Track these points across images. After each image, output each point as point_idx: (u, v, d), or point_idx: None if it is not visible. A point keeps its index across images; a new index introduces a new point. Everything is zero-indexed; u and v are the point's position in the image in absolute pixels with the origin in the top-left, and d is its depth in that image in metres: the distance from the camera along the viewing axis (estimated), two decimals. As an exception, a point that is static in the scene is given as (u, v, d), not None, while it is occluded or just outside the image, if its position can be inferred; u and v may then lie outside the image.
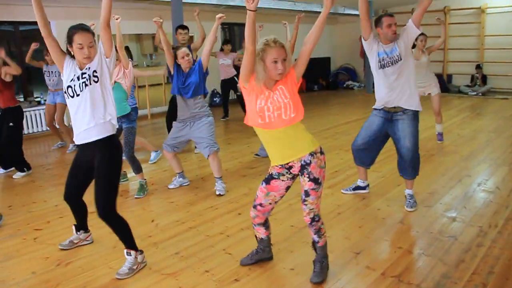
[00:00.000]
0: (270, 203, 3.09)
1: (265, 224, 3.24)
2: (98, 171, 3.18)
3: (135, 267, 3.30)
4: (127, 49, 11.74)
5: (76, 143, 3.26)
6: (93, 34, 3.15)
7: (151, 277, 3.24)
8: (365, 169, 4.79)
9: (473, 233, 3.78)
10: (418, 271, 3.20)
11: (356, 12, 14.03)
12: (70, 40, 3.08)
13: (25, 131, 8.75)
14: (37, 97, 9.24)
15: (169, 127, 6.14)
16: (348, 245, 3.63)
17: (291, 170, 2.95)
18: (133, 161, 5.06)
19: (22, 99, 9.13)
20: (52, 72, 7.25)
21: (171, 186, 5.28)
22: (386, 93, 4.13)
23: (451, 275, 3.11)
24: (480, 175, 5.38)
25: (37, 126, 8.84)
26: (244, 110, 9.40)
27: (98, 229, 3.80)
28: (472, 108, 10.62)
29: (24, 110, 8.65)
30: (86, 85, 3.07)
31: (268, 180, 3.02)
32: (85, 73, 3.08)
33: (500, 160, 5.98)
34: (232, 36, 13.16)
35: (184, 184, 5.33)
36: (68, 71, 3.13)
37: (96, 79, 3.09)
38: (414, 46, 6.78)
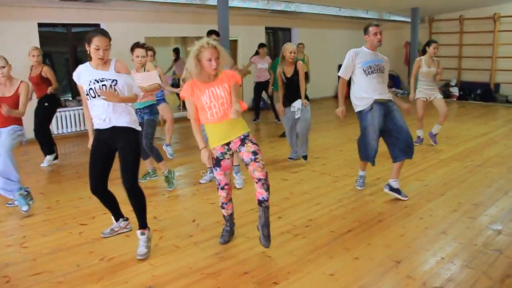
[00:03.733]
0: (231, 180, 3.73)
1: (231, 199, 3.82)
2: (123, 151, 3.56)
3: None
4: (176, 50, 12.26)
5: (101, 127, 3.59)
6: (109, 39, 3.48)
7: (191, 276, 3.29)
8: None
9: (519, 247, 3.66)
10: (461, 284, 3.11)
11: (401, 18, 13.90)
12: (89, 42, 3.41)
13: (73, 129, 9.07)
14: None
15: None
16: (389, 253, 3.58)
17: (229, 146, 3.51)
18: (151, 150, 5.32)
19: (70, 98, 9.45)
20: None
21: (202, 181, 5.56)
22: (373, 93, 4.65)
23: (496, 290, 3.03)
24: (529, 187, 5.19)
25: (85, 124, 9.09)
26: (275, 113, 9.44)
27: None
28: (520, 119, 10.28)
29: (72, 108, 9.02)
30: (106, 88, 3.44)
31: (218, 163, 3.56)
32: (103, 79, 3.44)
33: (550, 173, 5.76)
34: (276, 40, 13.14)
35: (214, 180, 5.41)
36: (84, 79, 3.50)
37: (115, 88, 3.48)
38: (424, 52, 7.13)
